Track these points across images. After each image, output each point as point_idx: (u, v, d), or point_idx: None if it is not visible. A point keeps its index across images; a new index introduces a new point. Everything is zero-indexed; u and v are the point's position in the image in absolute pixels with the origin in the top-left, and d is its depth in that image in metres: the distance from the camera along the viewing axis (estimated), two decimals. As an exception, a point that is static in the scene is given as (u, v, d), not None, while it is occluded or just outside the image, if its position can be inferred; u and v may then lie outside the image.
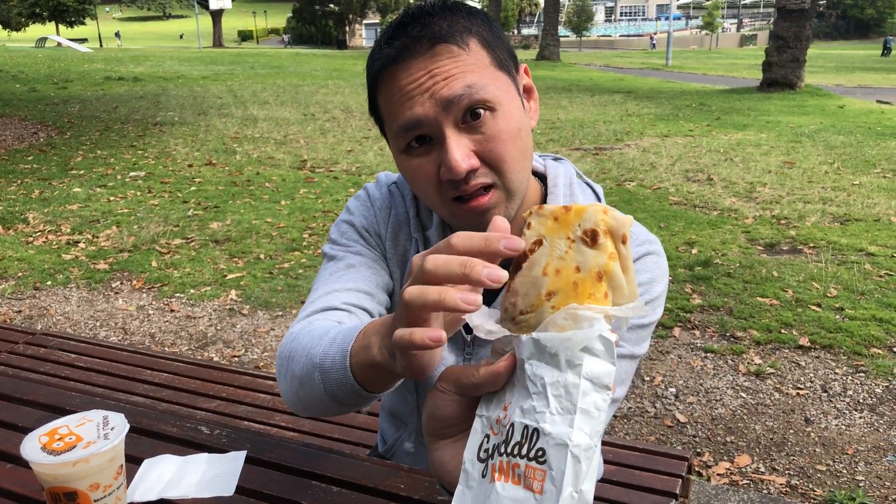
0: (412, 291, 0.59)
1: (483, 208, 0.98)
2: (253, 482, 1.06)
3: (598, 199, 1.15)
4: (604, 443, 1.85)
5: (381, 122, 1.04)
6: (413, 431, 1.26)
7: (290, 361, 0.95)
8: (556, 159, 1.19)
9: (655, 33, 62.75)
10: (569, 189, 1.13)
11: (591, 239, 0.57)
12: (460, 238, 0.59)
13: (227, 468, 1.09)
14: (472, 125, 0.94)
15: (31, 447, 0.89)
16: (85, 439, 0.91)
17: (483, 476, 0.59)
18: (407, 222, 1.17)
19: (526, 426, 0.56)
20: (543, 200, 1.13)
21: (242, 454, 1.12)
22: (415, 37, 0.94)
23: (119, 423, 0.95)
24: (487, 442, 0.60)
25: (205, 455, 1.13)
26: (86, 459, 0.88)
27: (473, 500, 0.59)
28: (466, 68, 0.94)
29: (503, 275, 0.56)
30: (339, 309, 1.05)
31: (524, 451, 0.56)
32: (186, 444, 1.16)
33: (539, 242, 0.60)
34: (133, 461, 1.10)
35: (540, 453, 0.55)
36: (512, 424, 0.57)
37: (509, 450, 0.57)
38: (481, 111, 0.94)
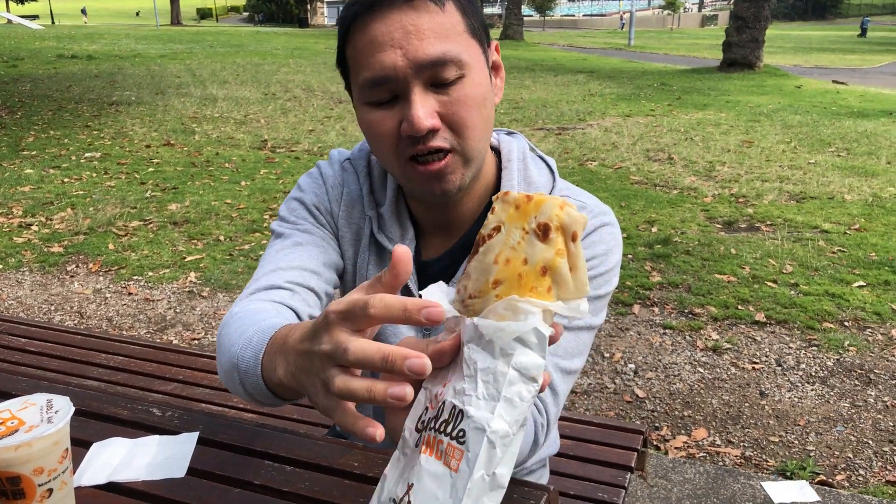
0: (340, 385, 0.56)
1: (437, 172, 0.98)
2: (205, 463, 1.05)
3: (552, 172, 1.16)
4: (562, 418, 1.87)
5: (347, 74, 1.02)
6: (370, 410, 1.26)
7: (220, 349, 0.94)
8: (508, 133, 1.19)
9: (625, 13, 62.96)
10: (522, 163, 1.14)
11: (543, 233, 0.57)
12: (377, 307, 0.55)
13: (179, 450, 1.08)
14: (439, 87, 0.95)
15: (-29, 432, 0.87)
16: (27, 423, 0.89)
17: (416, 446, 0.61)
18: (360, 199, 1.16)
19: (454, 406, 0.57)
20: (498, 174, 1.14)
21: (195, 435, 1.11)
22: None
23: (63, 407, 0.92)
24: (425, 414, 0.61)
25: (156, 437, 1.11)
26: (28, 444, 0.86)
27: (404, 467, 0.61)
28: (442, 31, 0.94)
29: (427, 367, 0.54)
30: (282, 288, 1.04)
31: (449, 429, 0.57)
32: (137, 427, 1.14)
33: (497, 229, 0.60)
34: (82, 445, 1.07)
35: (461, 434, 0.56)
36: (444, 402, 0.58)
37: (437, 426, 0.58)
38: (451, 75, 0.94)
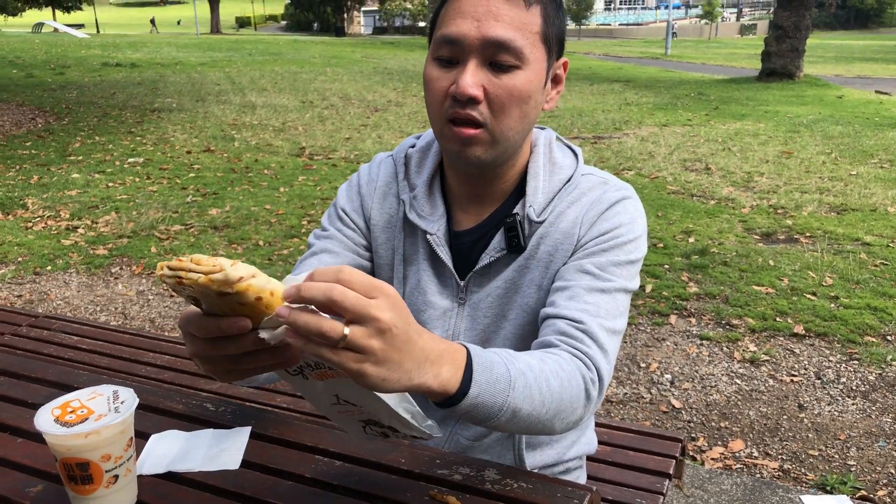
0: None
1: (465, 138, 1.09)
2: (257, 456, 1.09)
3: (576, 157, 1.26)
4: (598, 424, 1.88)
5: (433, 33, 1.14)
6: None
7: None
8: (540, 128, 1.29)
9: (675, 21, 62.00)
10: (548, 148, 1.25)
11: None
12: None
13: (233, 443, 1.12)
14: (494, 68, 1.06)
15: (45, 419, 0.92)
16: (96, 412, 0.94)
17: (306, 379, 0.84)
18: (394, 186, 1.28)
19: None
20: (528, 157, 1.25)
21: (247, 430, 1.15)
22: None
23: (129, 398, 0.97)
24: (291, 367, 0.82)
25: (210, 430, 1.16)
26: (97, 431, 0.91)
27: (309, 393, 0.88)
28: (518, 23, 1.05)
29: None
30: None
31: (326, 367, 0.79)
32: (192, 421, 1.19)
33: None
34: (140, 436, 1.12)
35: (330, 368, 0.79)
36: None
37: (325, 365, 0.79)
38: (507, 62, 1.05)
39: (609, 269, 1.13)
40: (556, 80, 1.18)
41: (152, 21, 64.11)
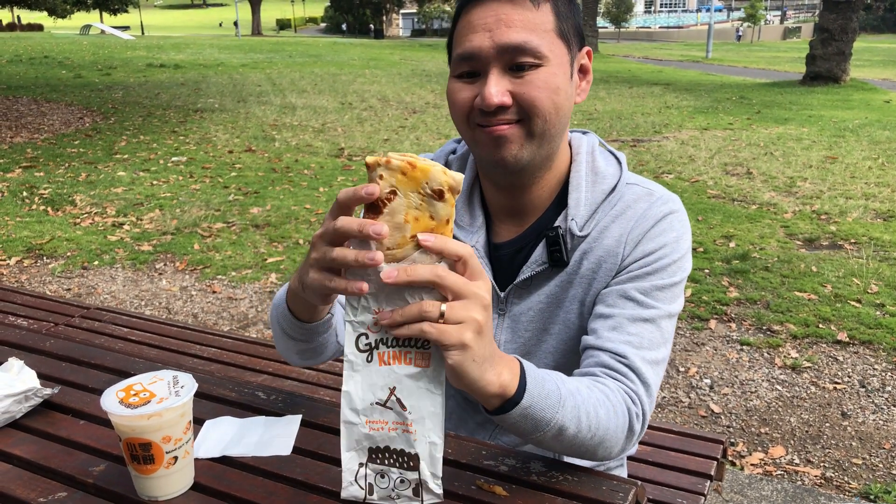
0: (336, 254, 0.80)
1: (499, 134, 1.08)
2: (308, 443, 1.12)
3: (619, 164, 1.22)
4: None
5: (451, 52, 1.14)
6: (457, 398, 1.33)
7: (270, 314, 1.19)
8: (583, 133, 1.26)
9: (741, 23, 60.74)
10: (591, 156, 1.22)
11: (439, 195, 0.77)
12: (340, 223, 0.79)
13: (285, 430, 1.16)
14: (516, 71, 1.06)
15: (110, 401, 0.96)
16: (158, 395, 0.98)
17: (368, 361, 0.83)
18: None
19: None
20: (569, 166, 1.21)
21: (298, 418, 1.19)
22: None
23: (188, 383, 1.01)
24: (367, 339, 0.82)
25: (262, 418, 1.20)
26: (159, 413, 0.95)
27: (363, 379, 0.83)
28: (530, 24, 1.05)
29: (384, 234, 0.77)
30: None
31: (412, 342, 0.82)
32: (244, 408, 1.23)
33: (394, 192, 0.77)
34: (196, 422, 1.16)
35: (426, 343, 0.81)
36: None
37: (401, 342, 0.81)
38: (527, 64, 1.05)
39: (653, 295, 1.11)
40: (583, 71, 1.16)
41: (235, 24, 62.59)
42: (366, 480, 0.87)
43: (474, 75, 1.08)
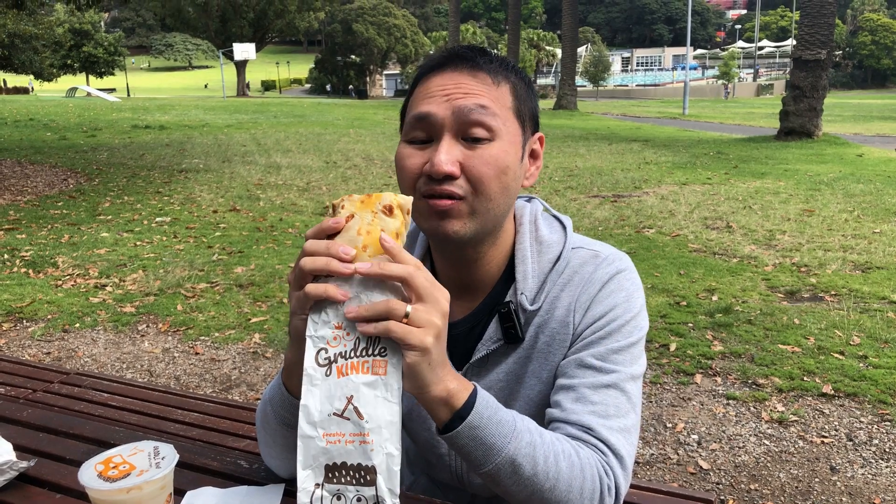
0: (309, 289, 0.87)
1: (442, 209, 1.05)
2: (291, 514, 1.10)
3: (564, 228, 1.21)
4: (628, 485, 1.86)
5: (404, 117, 1.14)
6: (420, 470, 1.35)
7: (257, 418, 1.16)
8: (527, 199, 1.25)
9: (729, 82, 62.06)
10: (533, 225, 1.20)
11: (389, 211, 0.87)
12: (306, 251, 0.88)
13: (267, 500, 1.14)
14: (469, 143, 1.05)
15: (88, 475, 0.95)
16: (138, 468, 0.97)
17: (327, 375, 0.86)
18: None
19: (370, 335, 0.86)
20: (513, 237, 1.19)
21: (281, 487, 1.17)
22: (463, 56, 1.09)
23: (169, 454, 1.00)
24: (326, 353, 0.86)
25: (244, 487, 1.17)
26: (139, 486, 0.93)
27: (325, 392, 0.86)
28: (488, 98, 1.06)
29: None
30: None
31: (371, 350, 0.86)
32: (227, 478, 1.21)
33: (351, 216, 0.86)
34: (176, 493, 1.14)
35: (382, 350, 0.86)
36: (358, 337, 0.86)
37: (358, 353, 0.86)
38: (480, 136, 1.05)
39: (611, 359, 1.08)
40: (533, 156, 1.16)
41: (247, 85, 63.33)
42: (321, 502, 0.87)
43: (426, 142, 1.07)
